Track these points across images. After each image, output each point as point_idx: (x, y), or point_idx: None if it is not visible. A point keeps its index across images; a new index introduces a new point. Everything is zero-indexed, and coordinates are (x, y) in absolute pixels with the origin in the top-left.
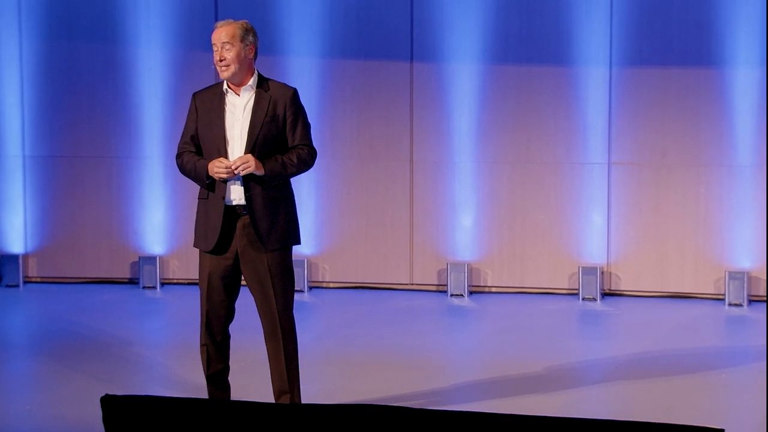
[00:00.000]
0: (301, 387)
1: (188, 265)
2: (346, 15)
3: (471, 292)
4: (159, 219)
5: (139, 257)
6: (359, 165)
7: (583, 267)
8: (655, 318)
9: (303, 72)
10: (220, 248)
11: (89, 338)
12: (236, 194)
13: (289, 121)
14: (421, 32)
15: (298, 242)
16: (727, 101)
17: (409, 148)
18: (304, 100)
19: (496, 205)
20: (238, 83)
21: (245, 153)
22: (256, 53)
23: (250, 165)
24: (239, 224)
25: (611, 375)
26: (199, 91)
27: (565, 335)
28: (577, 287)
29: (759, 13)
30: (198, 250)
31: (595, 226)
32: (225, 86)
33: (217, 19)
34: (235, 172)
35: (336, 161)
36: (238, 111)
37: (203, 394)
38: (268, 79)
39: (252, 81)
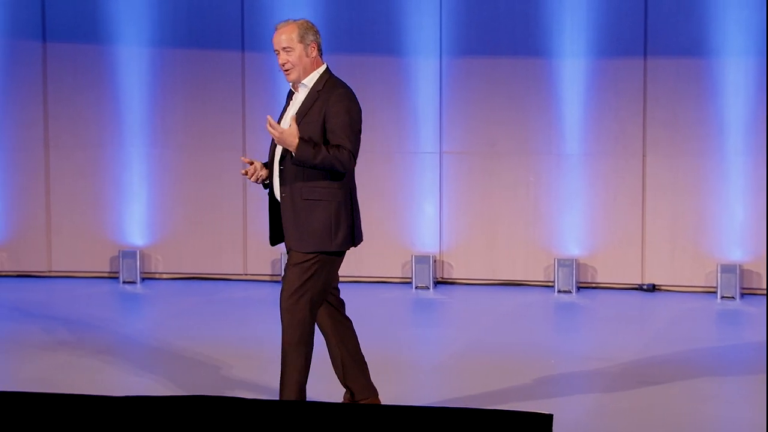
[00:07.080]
0: (130, 379)
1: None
2: (175, 3)
3: None
4: None
5: None
6: (191, 155)
7: (416, 255)
8: (487, 305)
9: (132, 61)
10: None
11: None
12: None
13: (328, 119)
14: (252, 21)
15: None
16: (555, 91)
17: (242, 138)
18: (132, 89)
19: None
20: (298, 81)
21: (280, 153)
22: (320, 50)
23: (280, 134)
24: None
25: (444, 362)
26: None
27: (398, 323)
28: (411, 276)
29: (584, 6)
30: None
31: (428, 214)
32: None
33: (44, 7)
34: (276, 135)
35: (168, 151)
36: (293, 109)
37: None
38: (330, 77)
39: (308, 79)
